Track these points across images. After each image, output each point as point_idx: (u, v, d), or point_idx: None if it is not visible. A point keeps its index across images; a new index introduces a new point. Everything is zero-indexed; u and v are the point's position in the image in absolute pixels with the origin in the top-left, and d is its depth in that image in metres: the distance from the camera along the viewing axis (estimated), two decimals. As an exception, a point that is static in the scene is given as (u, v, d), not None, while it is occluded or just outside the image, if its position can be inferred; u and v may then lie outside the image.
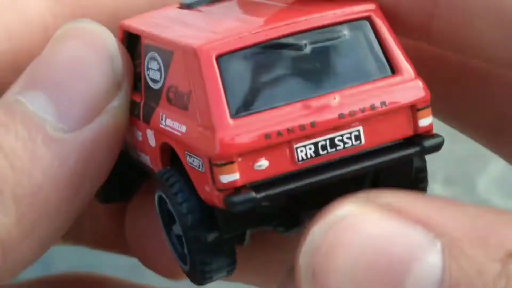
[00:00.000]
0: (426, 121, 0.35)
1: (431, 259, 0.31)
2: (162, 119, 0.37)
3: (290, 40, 0.34)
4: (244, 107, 0.34)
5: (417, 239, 0.31)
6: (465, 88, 0.42)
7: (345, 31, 0.35)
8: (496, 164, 0.90)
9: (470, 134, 0.44)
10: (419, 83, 0.35)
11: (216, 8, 0.40)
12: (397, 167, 0.36)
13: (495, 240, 0.31)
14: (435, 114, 0.38)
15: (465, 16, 0.36)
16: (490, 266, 0.30)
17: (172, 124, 0.36)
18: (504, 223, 0.32)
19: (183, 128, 0.35)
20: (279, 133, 0.34)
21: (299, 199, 0.36)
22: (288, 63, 0.35)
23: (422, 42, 0.38)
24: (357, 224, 0.31)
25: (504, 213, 0.32)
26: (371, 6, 0.36)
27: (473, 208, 0.32)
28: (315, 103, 0.34)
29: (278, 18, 0.35)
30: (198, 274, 0.37)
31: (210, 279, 0.37)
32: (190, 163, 0.35)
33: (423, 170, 0.38)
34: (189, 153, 0.35)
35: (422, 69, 0.37)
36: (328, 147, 0.34)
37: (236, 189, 0.33)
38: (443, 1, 0.36)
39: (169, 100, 0.37)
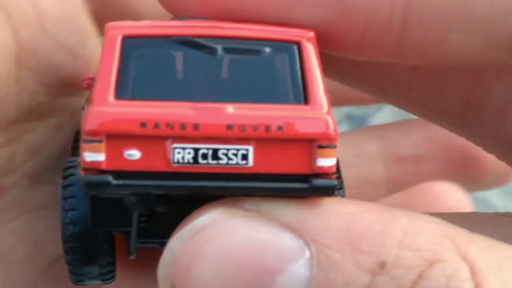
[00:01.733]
0: (326, 161, 0.32)
1: (298, 269, 0.29)
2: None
3: (205, 41, 0.33)
4: (133, 92, 0.32)
5: (284, 247, 0.29)
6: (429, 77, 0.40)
7: (269, 49, 0.33)
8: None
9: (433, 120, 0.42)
10: (329, 120, 0.32)
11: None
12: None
13: (367, 247, 0.29)
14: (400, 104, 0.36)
15: (438, 31, 0.34)
16: (358, 277, 0.29)
17: (83, 107, 0.36)
18: (383, 226, 0.30)
19: (85, 109, 0.34)
20: (156, 125, 0.31)
21: (174, 214, 0.34)
22: (195, 63, 0.33)
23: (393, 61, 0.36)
24: (220, 232, 0.30)
25: (388, 212, 0.30)
26: (308, 33, 0.34)
27: (356, 207, 0.30)
28: (205, 106, 0.32)
29: (208, 23, 0.34)
30: (69, 272, 0.37)
31: (81, 282, 0.37)
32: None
33: None
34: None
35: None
36: (210, 158, 0.32)
37: (99, 171, 0.31)
38: (414, 23, 0.34)
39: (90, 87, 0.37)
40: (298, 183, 0.32)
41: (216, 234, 0.30)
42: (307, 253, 0.29)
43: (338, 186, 0.35)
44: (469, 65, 0.38)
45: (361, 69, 0.40)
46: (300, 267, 0.29)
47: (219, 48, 0.33)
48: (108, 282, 0.37)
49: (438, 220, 0.31)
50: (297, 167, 0.32)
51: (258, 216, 0.30)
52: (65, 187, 0.35)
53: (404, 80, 0.39)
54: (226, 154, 0.32)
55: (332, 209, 0.30)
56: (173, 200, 0.34)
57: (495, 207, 0.89)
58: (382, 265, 0.29)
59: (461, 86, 0.39)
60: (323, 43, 0.34)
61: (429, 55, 0.35)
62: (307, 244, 0.29)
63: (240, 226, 0.30)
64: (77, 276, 0.37)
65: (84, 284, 0.37)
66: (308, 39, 0.34)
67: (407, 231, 0.30)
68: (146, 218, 0.35)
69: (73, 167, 0.36)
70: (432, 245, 0.29)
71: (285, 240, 0.29)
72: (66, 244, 0.35)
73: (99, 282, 0.37)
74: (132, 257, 0.36)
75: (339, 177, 0.36)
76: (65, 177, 0.36)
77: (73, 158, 0.37)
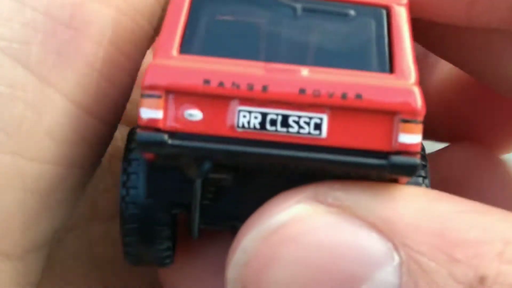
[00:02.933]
0: (409, 138, 0.29)
1: (386, 276, 0.26)
2: None
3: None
4: (199, 47, 0.30)
5: (371, 251, 0.27)
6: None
7: (354, 12, 0.31)
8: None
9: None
10: (415, 91, 0.29)
11: None
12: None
13: (464, 257, 0.26)
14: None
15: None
16: None
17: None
18: (481, 232, 0.27)
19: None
20: (220, 83, 0.29)
21: (242, 191, 0.32)
22: (271, 22, 0.30)
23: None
24: (300, 233, 0.27)
25: (484, 215, 0.27)
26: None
27: (450, 206, 0.28)
28: (278, 67, 0.29)
29: None
30: (125, 253, 0.34)
31: (135, 259, 0.34)
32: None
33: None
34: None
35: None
36: (279, 125, 0.29)
37: (156, 129, 0.29)
38: None
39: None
40: (376, 158, 0.29)
41: (296, 235, 0.27)
42: (396, 258, 0.27)
43: (423, 174, 0.32)
44: None
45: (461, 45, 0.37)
46: (388, 274, 0.26)
47: (298, 7, 0.30)
48: (165, 266, 0.35)
49: None
50: (376, 142, 0.29)
51: (342, 213, 0.27)
52: (128, 161, 0.32)
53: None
54: (297, 122, 0.29)
55: (423, 207, 0.28)
56: (238, 172, 0.31)
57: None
58: (481, 280, 0.26)
59: None
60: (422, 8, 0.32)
61: (494, 19, 0.33)
62: (396, 248, 0.27)
63: (322, 226, 0.27)
64: (133, 257, 0.34)
65: (142, 265, 0.35)
66: (400, 4, 0.31)
67: (508, 241, 0.27)
68: (211, 195, 0.32)
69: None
70: None
71: (372, 243, 0.27)
72: (124, 224, 0.33)
73: (157, 263, 0.34)
74: (194, 237, 0.33)
75: (424, 161, 0.33)
76: (128, 150, 0.33)
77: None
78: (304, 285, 0.27)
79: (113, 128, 0.33)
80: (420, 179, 0.32)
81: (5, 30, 0.30)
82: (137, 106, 0.29)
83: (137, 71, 0.34)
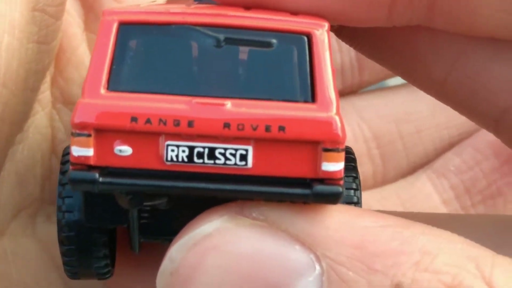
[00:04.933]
0: (331, 166, 0.30)
1: (307, 285, 0.27)
2: None
3: (207, 31, 0.31)
4: (126, 83, 0.30)
5: (293, 261, 0.28)
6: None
7: (276, 40, 0.31)
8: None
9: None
10: (336, 121, 0.30)
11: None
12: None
13: (382, 267, 0.27)
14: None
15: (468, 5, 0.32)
16: None
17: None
18: (400, 244, 0.28)
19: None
20: (147, 120, 0.29)
21: (177, 210, 0.33)
22: (196, 54, 0.31)
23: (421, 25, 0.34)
24: (224, 243, 0.28)
25: (406, 229, 0.28)
26: (321, 23, 0.31)
27: (372, 221, 0.28)
28: (202, 102, 0.30)
29: (213, 10, 0.32)
30: (64, 269, 0.35)
31: (75, 276, 0.35)
32: None
33: None
34: None
35: None
36: (206, 157, 0.30)
37: (88, 166, 0.30)
38: None
39: None
40: (299, 188, 0.29)
41: (220, 244, 0.28)
42: (318, 268, 0.27)
43: (354, 187, 0.33)
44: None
45: (394, 52, 0.37)
46: (309, 284, 0.27)
47: (221, 38, 0.31)
48: (104, 279, 0.36)
49: (461, 239, 0.29)
50: (300, 170, 0.30)
51: (266, 227, 0.28)
52: (62, 185, 0.34)
53: (441, 77, 0.37)
54: (223, 154, 0.30)
55: (346, 222, 0.28)
56: (171, 198, 0.32)
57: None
58: (397, 287, 0.27)
59: (500, 95, 0.37)
60: (348, 17, 0.32)
61: (458, 23, 0.33)
62: (317, 259, 0.27)
63: (246, 237, 0.28)
64: (72, 274, 0.35)
65: (80, 279, 0.36)
66: (320, 29, 0.31)
67: (425, 251, 0.28)
68: (148, 215, 0.34)
69: None
70: (453, 268, 0.27)
71: (294, 254, 0.28)
72: (62, 245, 0.34)
73: (95, 277, 0.36)
74: (136, 252, 0.34)
75: (356, 178, 0.34)
76: (63, 163, 0.34)
77: None
78: None
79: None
80: (352, 192, 0.33)
81: None
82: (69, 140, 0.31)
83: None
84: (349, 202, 0.33)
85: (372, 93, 0.54)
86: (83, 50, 0.41)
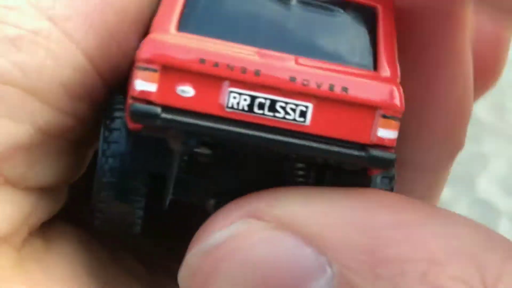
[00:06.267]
0: (387, 133, 0.30)
1: None
2: None
3: None
4: (197, 26, 0.31)
5: (305, 264, 0.28)
6: None
7: (345, 9, 0.32)
8: (496, 164, 0.89)
9: None
10: (395, 90, 0.31)
11: None
12: (349, 173, 0.32)
13: (388, 275, 0.27)
14: None
15: None
16: None
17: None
18: (409, 250, 0.27)
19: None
20: (215, 64, 0.30)
21: (215, 169, 0.33)
22: (267, 10, 0.32)
23: None
24: (238, 248, 0.28)
25: (419, 230, 0.28)
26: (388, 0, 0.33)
27: (387, 217, 0.28)
28: (271, 54, 0.30)
29: None
30: (94, 215, 0.34)
31: (103, 224, 0.34)
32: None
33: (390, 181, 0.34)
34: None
35: None
36: (266, 109, 0.30)
37: (148, 102, 0.30)
38: None
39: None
40: (355, 150, 0.30)
41: (234, 251, 0.28)
42: (329, 271, 0.27)
43: (389, 189, 0.34)
44: None
45: None
46: (320, 287, 0.27)
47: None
48: (131, 232, 0.35)
49: (478, 237, 0.28)
50: (356, 134, 0.31)
51: (279, 229, 0.28)
52: (109, 130, 0.33)
53: None
54: (284, 108, 0.30)
55: (358, 223, 0.28)
56: (217, 150, 0.32)
57: (496, 207, 0.89)
58: None
59: None
60: None
61: None
62: (329, 262, 0.28)
63: (259, 242, 0.28)
64: (102, 217, 0.34)
65: (106, 230, 0.35)
66: (386, 5, 0.33)
67: (434, 260, 0.27)
68: (186, 169, 0.33)
69: (122, 109, 0.33)
70: (457, 283, 0.27)
71: (306, 256, 0.28)
72: (102, 178, 0.33)
73: (123, 231, 0.35)
74: (164, 208, 0.34)
75: (392, 178, 0.34)
76: (112, 110, 0.33)
77: (122, 98, 0.33)
78: None
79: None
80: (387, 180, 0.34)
81: None
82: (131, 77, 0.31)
83: None
84: None
85: None
86: None
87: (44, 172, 0.34)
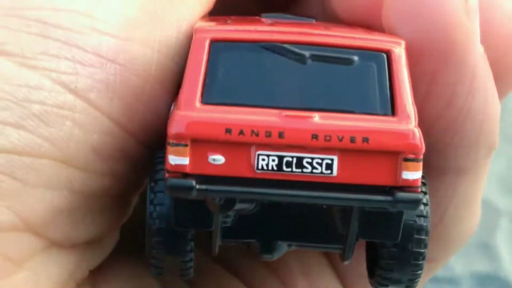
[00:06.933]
0: (411, 174, 0.32)
1: None
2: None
3: (293, 48, 0.33)
4: (219, 96, 0.32)
5: None
6: None
7: (357, 57, 0.33)
8: (496, 163, 0.90)
9: None
10: (416, 132, 0.32)
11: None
12: (383, 216, 0.34)
13: None
14: None
15: None
16: None
17: (171, 107, 0.36)
18: None
19: (171, 109, 0.35)
20: (241, 132, 0.32)
21: (263, 220, 0.35)
22: (282, 69, 0.33)
23: None
24: None
25: None
26: (398, 41, 0.34)
27: None
28: (291, 114, 0.32)
29: (295, 27, 0.34)
30: (151, 265, 0.36)
31: (160, 274, 0.36)
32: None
33: (421, 230, 0.35)
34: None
35: None
36: (294, 166, 0.32)
37: (183, 174, 0.32)
38: None
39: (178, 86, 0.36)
40: (382, 195, 0.32)
41: None
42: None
43: (425, 201, 0.35)
44: None
45: None
46: None
47: (307, 55, 0.33)
48: (186, 277, 0.37)
49: None
50: (381, 178, 0.32)
51: None
52: (155, 181, 0.35)
53: None
54: (310, 163, 0.32)
55: None
56: (257, 204, 0.34)
57: (495, 206, 0.90)
58: None
59: None
60: None
61: None
62: None
63: None
64: (157, 269, 0.36)
65: (163, 276, 0.37)
66: (398, 47, 0.34)
67: None
68: (232, 219, 0.35)
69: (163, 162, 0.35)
70: None
71: None
72: (152, 238, 0.35)
73: (179, 276, 0.37)
74: (215, 254, 0.36)
75: (425, 188, 0.36)
76: (155, 171, 0.35)
77: (163, 153, 0.35)
78: None
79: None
80: (422, 206, 0.35)
81: (53, 64, 0.34)
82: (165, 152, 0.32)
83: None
84: (419, 229, 0.35)
85: None
86: None
87: (88, 228, 0.36)
